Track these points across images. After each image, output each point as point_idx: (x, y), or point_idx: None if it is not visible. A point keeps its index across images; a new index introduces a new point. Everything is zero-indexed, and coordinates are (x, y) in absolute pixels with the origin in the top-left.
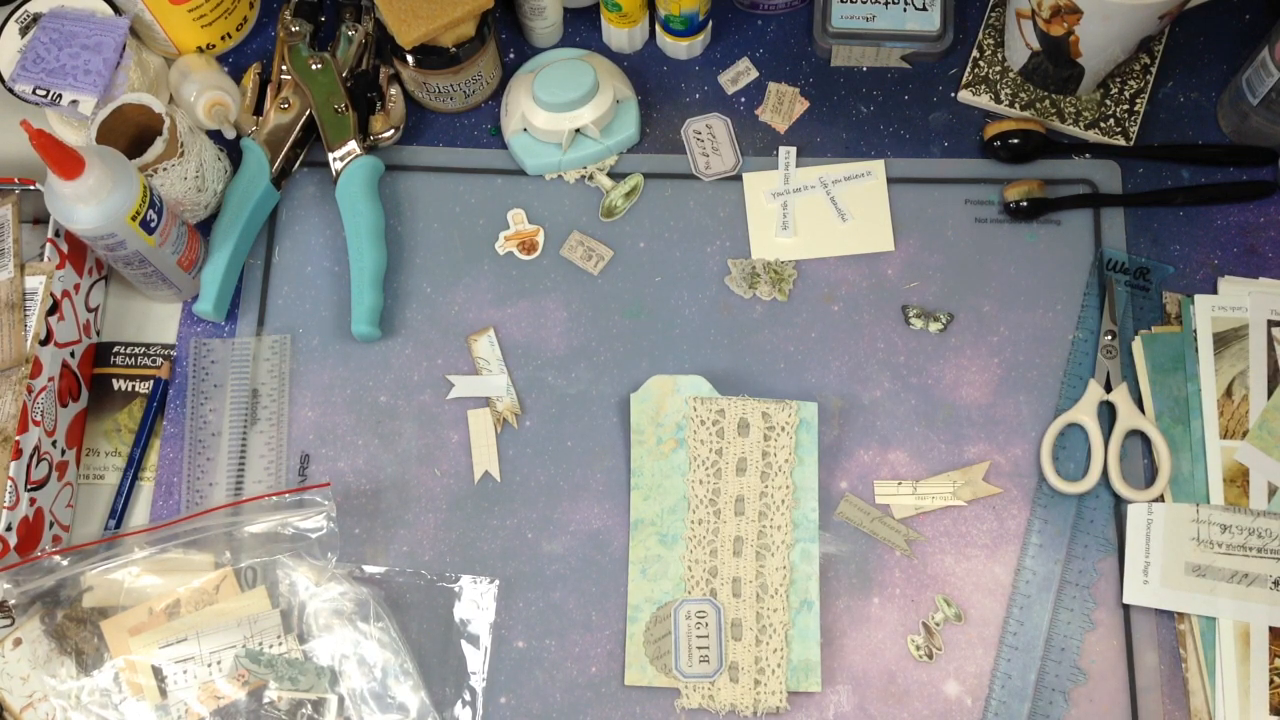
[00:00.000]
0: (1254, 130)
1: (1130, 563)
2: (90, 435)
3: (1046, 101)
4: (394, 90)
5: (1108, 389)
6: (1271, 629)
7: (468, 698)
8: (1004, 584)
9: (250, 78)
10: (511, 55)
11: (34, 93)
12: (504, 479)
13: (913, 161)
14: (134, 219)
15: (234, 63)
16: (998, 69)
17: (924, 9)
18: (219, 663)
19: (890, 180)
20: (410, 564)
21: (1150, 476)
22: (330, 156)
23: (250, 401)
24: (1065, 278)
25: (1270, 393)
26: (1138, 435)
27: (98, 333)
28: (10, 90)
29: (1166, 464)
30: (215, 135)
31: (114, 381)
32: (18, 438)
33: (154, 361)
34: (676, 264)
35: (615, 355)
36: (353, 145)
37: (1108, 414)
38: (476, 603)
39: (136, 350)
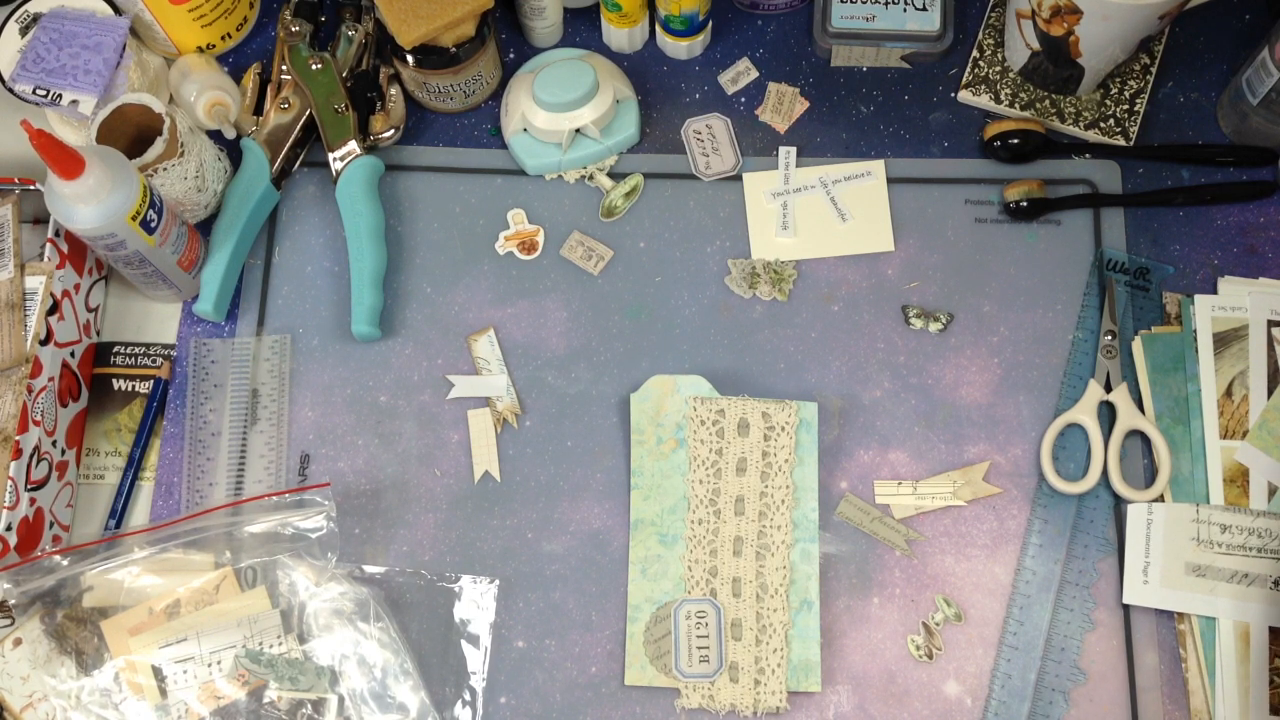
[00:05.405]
0: (1254, 130)
1: (1130, 563)
2: (90, 435)
3: (1046, 101)
4: (394, 90)
5: (1108, 389)
6: (1271, 629)
7: (468, 698)
8: (1004, 584)
9: (250, 78)
10: (511, 55)
11: (34, 93)
12: (504, 479)
13: (913, 161)
14: (134, 219)
15: (234, 63)
16: (998, 69)
17: (924, 9)
18: (219, 663)
19: (890, 180)
20: (410, 564)
21: (1150, 476)
22: (330, 156)
23: (250, 401)
24: (1065, 278)
25: (1270, 393)
26: (1138, 435)
27: (98, 333)
28: (10, 90)
29: (1166, 464)
30: (215, 135)
31: (114, 381)
32: (18, 438)
33: (154, 361)
34: (676, 264)
35: (615, 355)
36: (353, 145)
37: (1108, 414)
38: (476, 603)
39: (136, 350)
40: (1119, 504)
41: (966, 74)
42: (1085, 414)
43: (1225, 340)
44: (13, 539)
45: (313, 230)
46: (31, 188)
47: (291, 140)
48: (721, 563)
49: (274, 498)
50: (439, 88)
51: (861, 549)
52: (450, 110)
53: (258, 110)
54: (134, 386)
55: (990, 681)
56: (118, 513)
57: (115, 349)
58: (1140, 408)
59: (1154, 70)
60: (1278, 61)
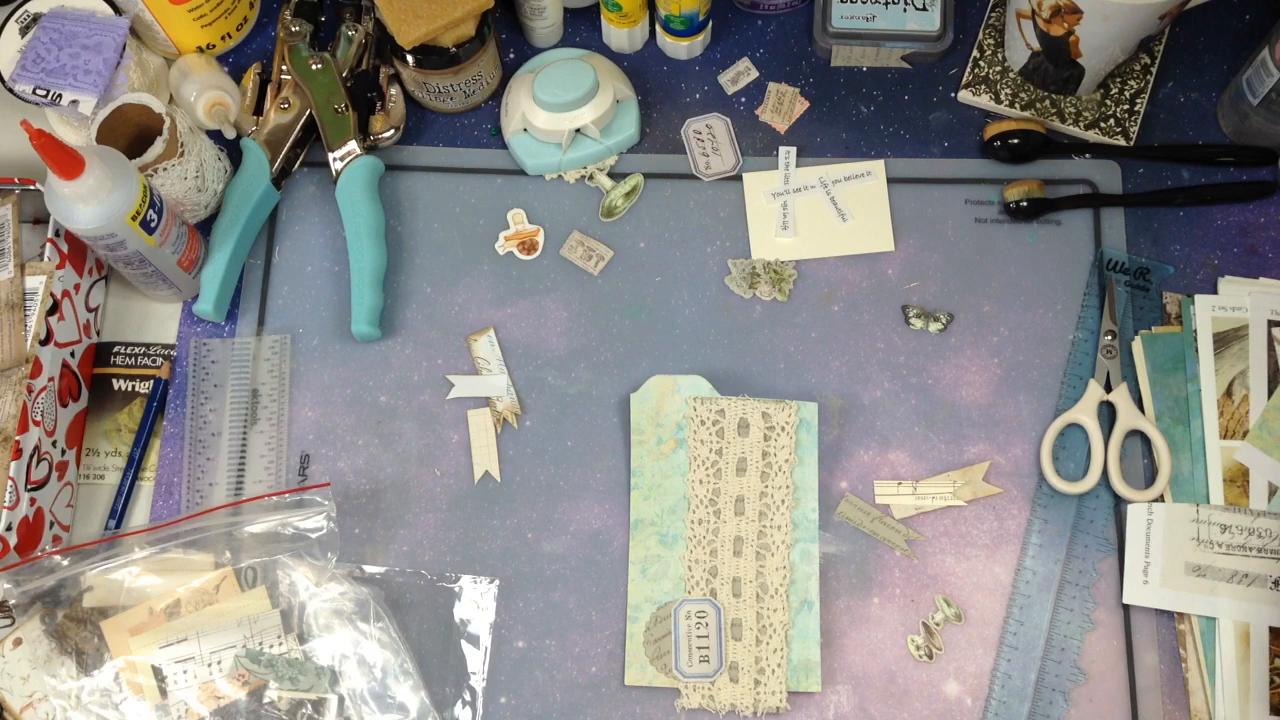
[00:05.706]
0: (1254, 130)
1: (1130, 563)
2: (90, 435)
3: (1046, 101)
4: (394, 90)
5: (1108, 389)
6: (1271, 629)
7: (468, 698)
8: (1004, 584)
9: (250, 78)
10: (511, 55)
11: (34, 93)
12: (504, 479)
13: (913, 161)
14: (134, 219)
15: (234, 63)
16: (998, 69)
17: (924, 9)
18: (219, 663)
19: (890, 180)
20: (410, 564)
21: (1150, 476)
22: (330, 156)
23: (250, 401)
24: (1065, 278)
25: (1270, 393)
26: (1138, 435)
27: (98, 333)
28: (10, 90)
29: (1166, 464)
30: (215, 135)
31: (114, 381)
32: (18, 438)
33: (154, 361)
34: (676, 264)
35: (615, 355)
36: (353, 145)
37: (1108, 414)
38: (476, 603)
39: (136, 350)
40: (1119, 504)
41: (966, 74)
42: (1085, 414)
43: (1225, 340)
44: (13, 539)
45: (313, 230)
46: (31, 188)
47: (291, 140)
48: (721, 563)
49: (274, 498)
50: (439, 88)
51: (861, 549)
52: (450, 110)
53: (258, 110)
54: (134, 386)
55: (990, 681)
56: (118, 513)
57: (115, 349)
58: (1140, 408)
59: (1154, 70)
60: (1278, 61)
